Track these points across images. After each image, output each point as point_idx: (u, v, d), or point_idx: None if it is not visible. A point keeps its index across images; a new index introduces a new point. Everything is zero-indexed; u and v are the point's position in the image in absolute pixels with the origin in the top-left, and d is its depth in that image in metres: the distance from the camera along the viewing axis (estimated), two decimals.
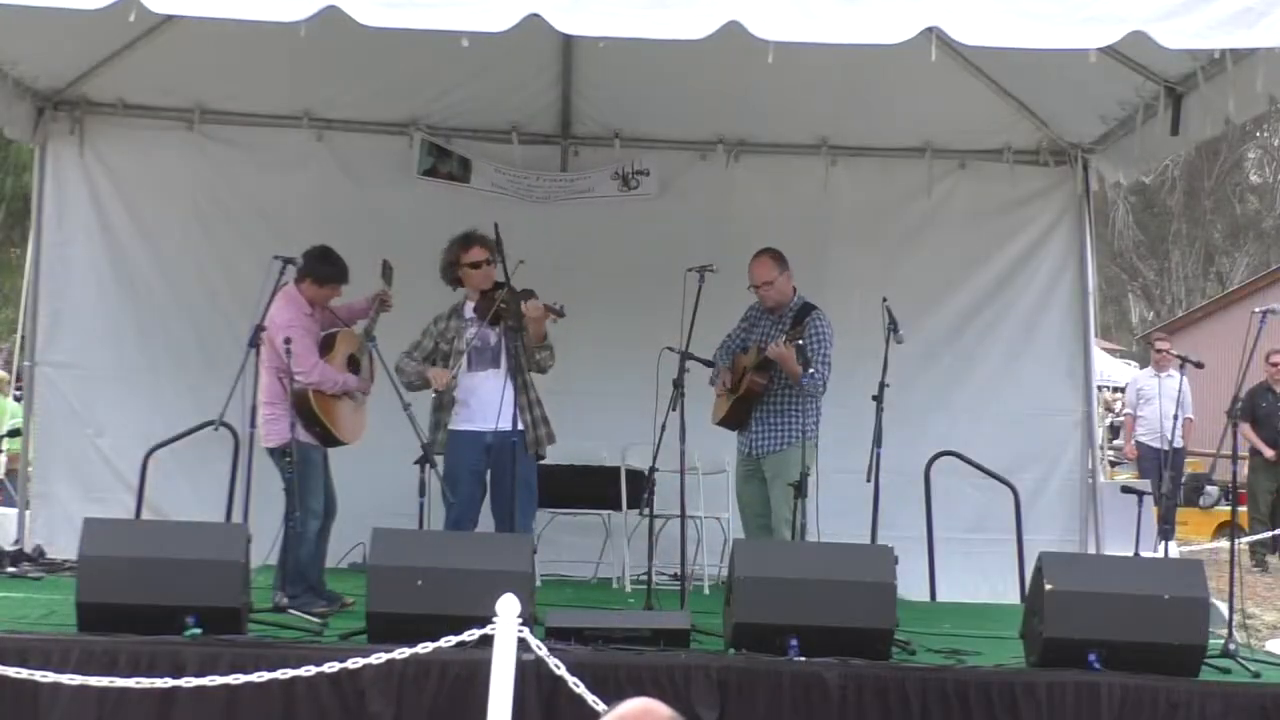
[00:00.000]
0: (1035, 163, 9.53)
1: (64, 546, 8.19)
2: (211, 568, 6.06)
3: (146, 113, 9.22)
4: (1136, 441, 14.85)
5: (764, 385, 7.70)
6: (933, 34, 5.46)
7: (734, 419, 7.87)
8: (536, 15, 5.34)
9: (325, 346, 7.39)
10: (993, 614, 7.87)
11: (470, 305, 7.69)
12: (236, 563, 6.11)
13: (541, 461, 7.81)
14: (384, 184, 9.41)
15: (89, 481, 9.01)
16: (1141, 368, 19.47)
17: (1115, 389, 18.92)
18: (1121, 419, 15.86)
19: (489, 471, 7.57)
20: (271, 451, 7.21)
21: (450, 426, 7.60)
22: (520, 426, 7.38)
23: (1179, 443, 10.89)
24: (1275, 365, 13.22)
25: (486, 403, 7.42)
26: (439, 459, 7.37)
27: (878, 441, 7.32)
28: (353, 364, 7.48)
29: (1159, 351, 14.56)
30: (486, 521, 7.70)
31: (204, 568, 6.04)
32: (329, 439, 7.35)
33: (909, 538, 8.41)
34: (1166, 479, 10.41)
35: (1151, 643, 5.99)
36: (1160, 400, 13.77)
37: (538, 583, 6.98)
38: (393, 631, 5.75)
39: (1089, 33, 5.49)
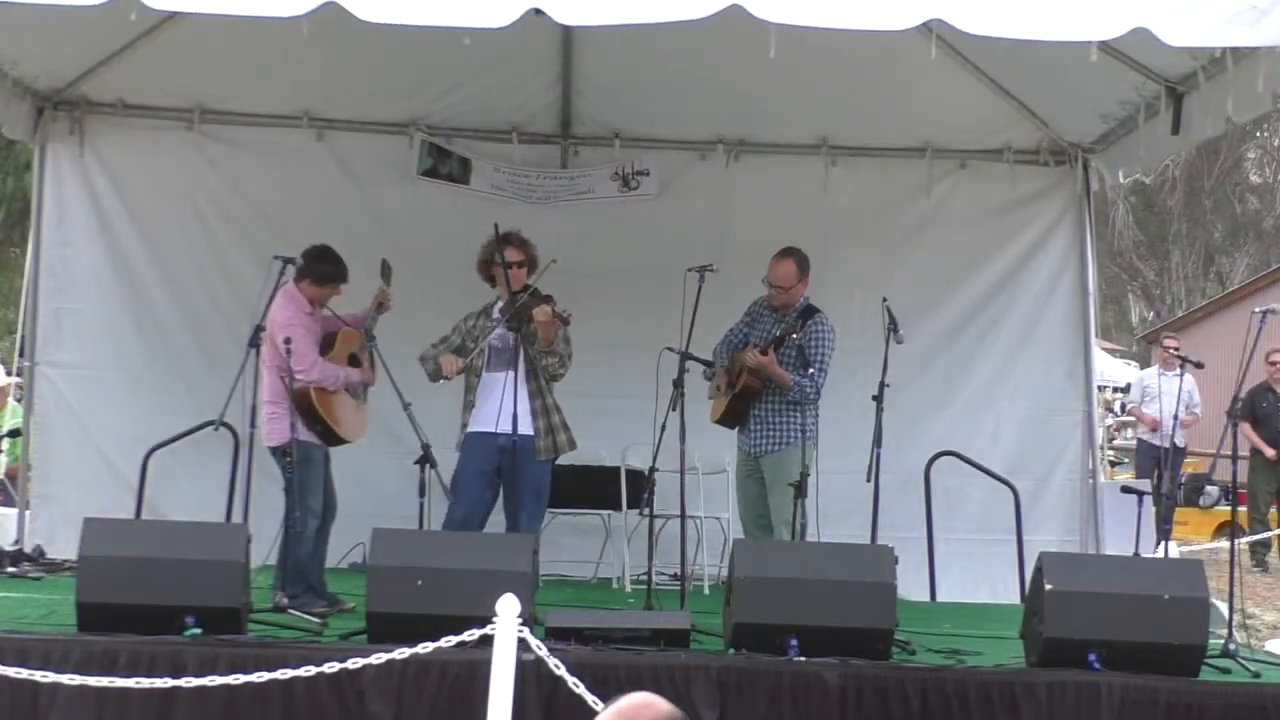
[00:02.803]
0: (1035, 163, 9.52)
1: (64, 546, 8.19)
2: (211, 568, 6.05)
3: (146, 113, 9.22)
4: (1138, 439, 14.85)
5: (760, 384, 7.69)
6: (933, 32, 5.45)
7: (731, 417, 7.87)
8: (537, 10, 5.31)
9: (326, 345, 7.40)
10: (993, 614, 7.87)
11: (499, 305, 7.70)
12: (236, 563, 6.11)
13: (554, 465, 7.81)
14: (384, 184, 9.41)
15: (89, 481, 9.00)
16: (1143, 367, 19.49)
17: (1115, 389, 18.93)
18: (1126, 417, 15.86)
19: (501, 473, 7.56)
20: (273, 450, 7.21)
21: (468, 428, 7.59)
22: (531, 430, 7.38)
23: (1180, 441, 10.88)
24: (1275, 365, 13.22)
25: (496, 404, 7.43)
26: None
27: (878, 441, 7.33)
28: (354, 363, 7.48)
29: (1166, 349, 14.54)
30: (497, 523, 7.70)
31: (204, 568, 6.04)
32: (331, 437, 7.35)
33: (909, 538, 8.41)
34: (1166, 479, 10.41)
35: (1151, 643, 5.99)
36: (1161, 399, 13.76)
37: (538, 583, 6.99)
38: (393, 631, 5.75)
39: (1092, 26, 5.48)
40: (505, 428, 7.34)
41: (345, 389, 7.39)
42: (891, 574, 6.26)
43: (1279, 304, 7.10)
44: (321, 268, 7.40)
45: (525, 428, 7.36)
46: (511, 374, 7.46)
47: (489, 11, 5.36)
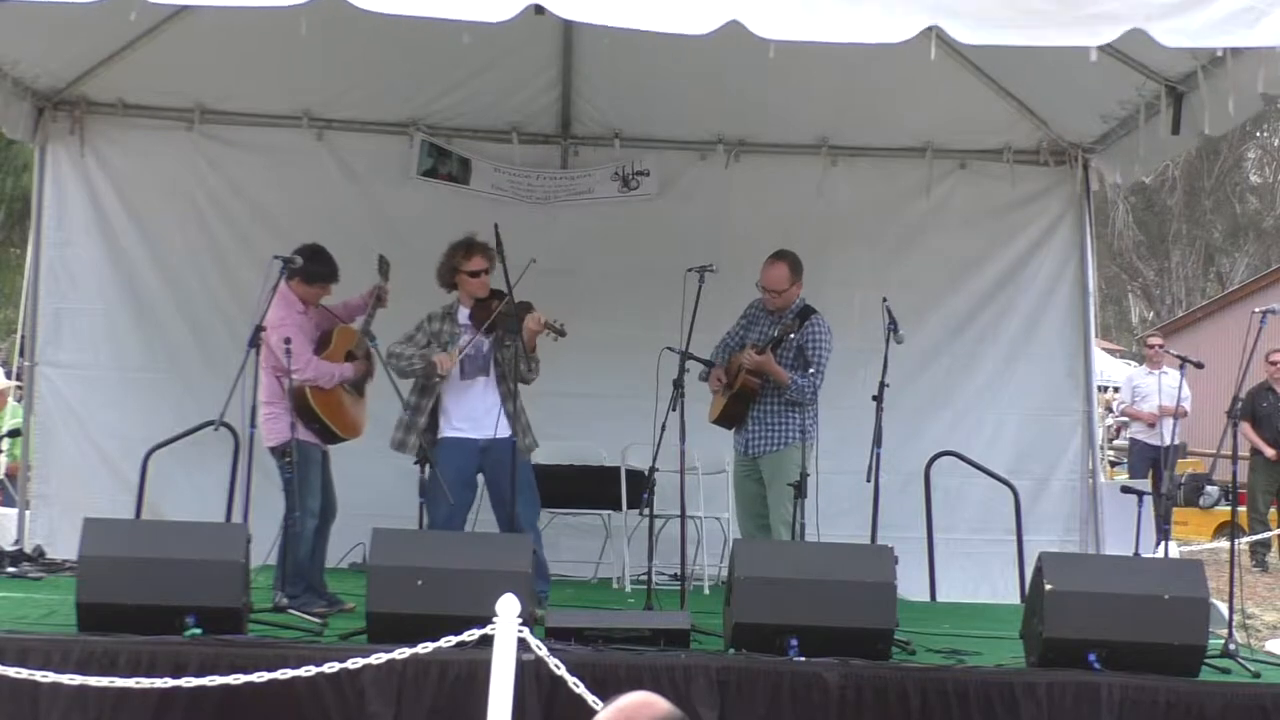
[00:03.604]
0: (1035, 163, 9.52)
1: (64, 546, 8.19)
2: (211, 568, 6.05)
3: (146, 113, 9.22)
4: (1131, 438, 14.87)
5: (759, 383, 7.70)
6: (933, 33, 5.45)
7: (729, 417, 7.87)
8: (537, 8, 5.31)
9: (323, 343, 7.40)
10: (993, 614, 7.87)
11: (464, 311, 7.67)
12: (236, 563, 6.10)
13: (540, 462, 7.81)
14: (384, 184, 9.42)
15: (89, 481, 9.00)
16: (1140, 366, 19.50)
17: (1115, 389, 18.94)
18: (1124, 419, 15.87)
19: (483, 477, 7.56)
20: (272, 450, 7.21)
21: (441, 434, 7.56)
22: (509, 432, 7.38)
23: (1176, 440, 10.90)
24: (1275, 365, 13.22)
25: (478, 410, 7.45)
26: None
27: (878, 441, 7.33)
28: (350, 359, 7.48)
29: (1151, 348, 14.56)
30: (485, 526, 7.70)
31: (204, 568, 6.03)
32: (329, 435, 7.35)
33: (909, 538, 8.41)
34: (1166, 478, 10.41)
35: (1151, 643, 5.99)
36: (1160, 397, 13.77)
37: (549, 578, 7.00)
38: (393, 631, 5.75)
39: (1089, 31, 5.49)
40: (486, 433, 7.36)
41: (342, 386, 7.39)
42: (891, 574, 6.26)
43: (1279, 304, 7.09)
44: (311, 268, 7.38)
45: (504, 430, 7.39)
46: (488, 380, 7.48)
47: (488, 4, 5.35)
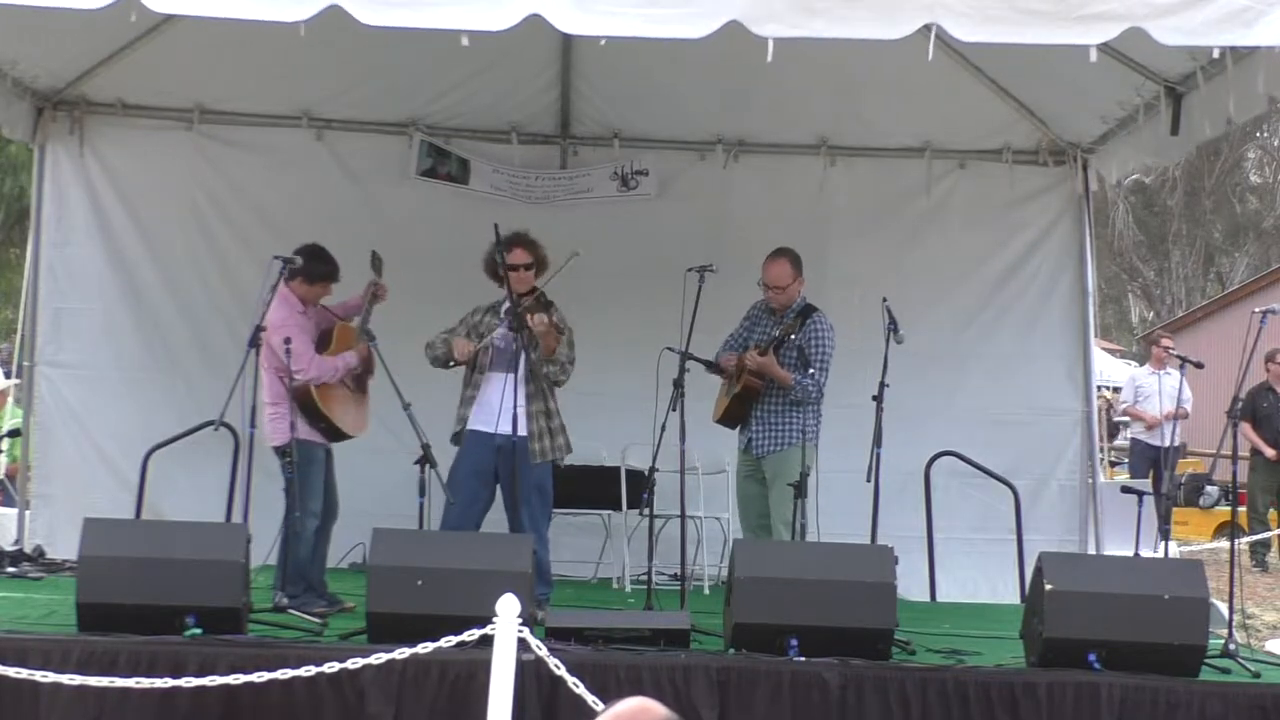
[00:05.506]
0: (1035, 163, 9.52)
1: (64, 546, 8.20)
2: (211, 568, 6.06)
3: (146, 113, 9.22)
4: (1132, 438, 14.87)
5: (762, 384, 7.70)
6: (932, 33, 5.45)
7: (733, 417, 7.87)
8: (537, 15, 5.34)
9: (324, 342, 7.41)
10: (993, 614, 7.88)
11: (506, 305, 7.70)
12: (236, 563, 6.11)
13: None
14: (384, 184, 9.42)
15: (89, 481, 9.00)
16: (1141, 365, 19.51)
17: (1115, 389, 18.98)
18: (1124, 418, 15.88)
19: (498, 474, 7.57)
20: (277, 450, 7.22)
21: (468, 425, 7.61)
22: (526, 432, 7.38)
23: (1177, 441, 10.90)
24: (1277, 364, 13.21)
25: (495, 404, 7.44)
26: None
27: (878, 441, 7.33)
28: None
29: (1163, 349, 14.55)
30: (498, 524, 7.70)
31: (204, 568, 6.04)
32: (335, 433, 7.36)
33: (909, 538, 8.41)
34: (1166, 478, 10.41)
35: (1151, 643, 6.00)
36: (1160, 398, 13.77)
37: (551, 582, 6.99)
38: (393, 631, 5.75)
39: (1087, 29, 5.49)
40: (503, 429, 7.36)
41: (344, 384, 7.39)
42: (891, 574, 6.26)
43: (1279, 304, 7.10)
44: (313, 267, 7.39)
45: (521, 429, 7.37)
46: (511, 375, 7.47)
47: (489, 15, 5.37)
